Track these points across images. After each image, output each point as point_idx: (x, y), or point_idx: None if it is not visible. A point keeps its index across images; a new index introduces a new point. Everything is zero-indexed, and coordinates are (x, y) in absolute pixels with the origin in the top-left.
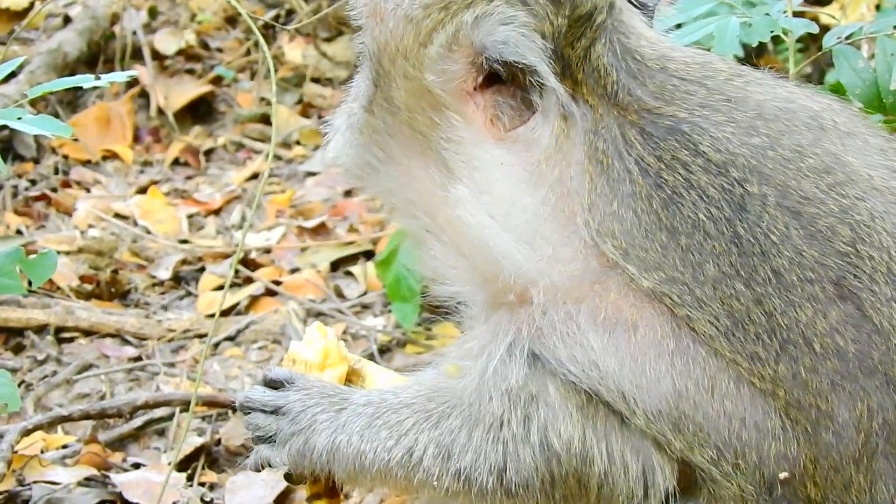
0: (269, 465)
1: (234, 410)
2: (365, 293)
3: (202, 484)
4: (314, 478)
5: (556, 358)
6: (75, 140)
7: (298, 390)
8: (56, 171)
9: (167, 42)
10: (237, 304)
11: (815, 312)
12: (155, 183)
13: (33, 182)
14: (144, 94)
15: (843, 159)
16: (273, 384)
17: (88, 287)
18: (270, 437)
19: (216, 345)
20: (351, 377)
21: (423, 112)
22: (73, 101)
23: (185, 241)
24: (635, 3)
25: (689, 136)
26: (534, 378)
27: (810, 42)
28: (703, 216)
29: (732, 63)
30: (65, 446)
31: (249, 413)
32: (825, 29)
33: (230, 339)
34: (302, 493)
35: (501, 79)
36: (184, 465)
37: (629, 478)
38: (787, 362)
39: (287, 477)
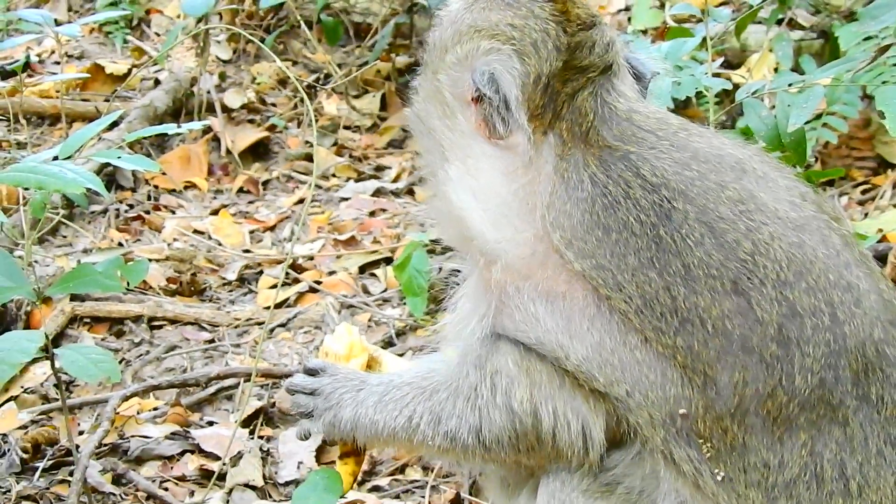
0: (311, 434)
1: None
2: (385, 290)
3: (261, 437)
4: (343, 441)
5: (512, 321)
6: (163, 174)
7: (330, 376)
8: (149, 198)
9: (234, 98)
10: (287, 298)
11: (712, 301)
12: (224, 206)
13: (131, 206)
14: (216, 139)
15: (756, 195)
16: (311, 371)
17: (173, 286)
18: (310, 412)
19: (271, 330)
20: (371, 364)
21: (438, 104)
22: (161, 144)
23: (247, 251)
24: (634, 73)
25: (634, 163)
26: (495, 353)
27: (725, 97)
28: (633, 219)
29: (683, 120)
30: (155, 409)
31: (294, 394)
32: (736, 86)
33: (282, 325)
34: (335, 447)
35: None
36: (246, 422)
37: (571, 432)
38: (685, 336)
39: (324, 441)
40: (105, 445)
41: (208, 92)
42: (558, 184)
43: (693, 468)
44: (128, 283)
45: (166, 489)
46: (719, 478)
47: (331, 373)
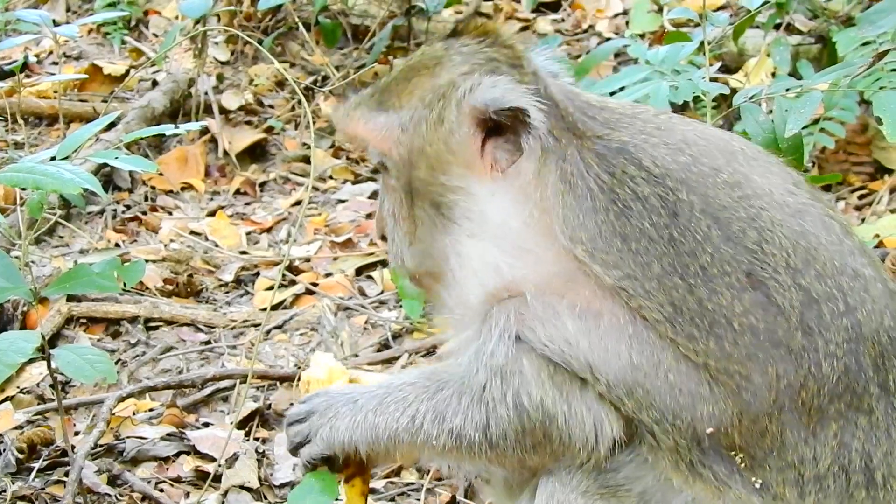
0: (315, 460)
1: (282, 382)
2: (382, 292)
3: (256, 439)
4: (346, 463)
5: (537, 337)
6: (160, 174)
7: (324, 395)
8: (146, 199)
9: (231, 100)
10: (284, 300)
11: (732, 298)
12: (221, 208)
13: (128, 207)
14: (214, 140)
15: (750, 177)
16: (303, 403)
17: (170, 287)
18: (307, 438)
19: (268, 332)
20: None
21: (441, 184)
22: (159, 145)
23: (244, 253)
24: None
25: (633, 155)
26: (516, 355)
27: (722, 101)
28: (648, 224)
29: (654, 108)
30: (151, 410)
31: (290, 427)
32: (734, 91)
33: (278, 327)
34: None
35: (496, 132)
36: (242, 424)
37: (584, 428)
38: (715, 338)
39: (331, 467)
40: (101, 446)
41: (206, 93)
42: (566, 194)
43: (719, 482)
44: (124, 284)
45: (162, 490)
46: (757, 485)
47: (321, 393)
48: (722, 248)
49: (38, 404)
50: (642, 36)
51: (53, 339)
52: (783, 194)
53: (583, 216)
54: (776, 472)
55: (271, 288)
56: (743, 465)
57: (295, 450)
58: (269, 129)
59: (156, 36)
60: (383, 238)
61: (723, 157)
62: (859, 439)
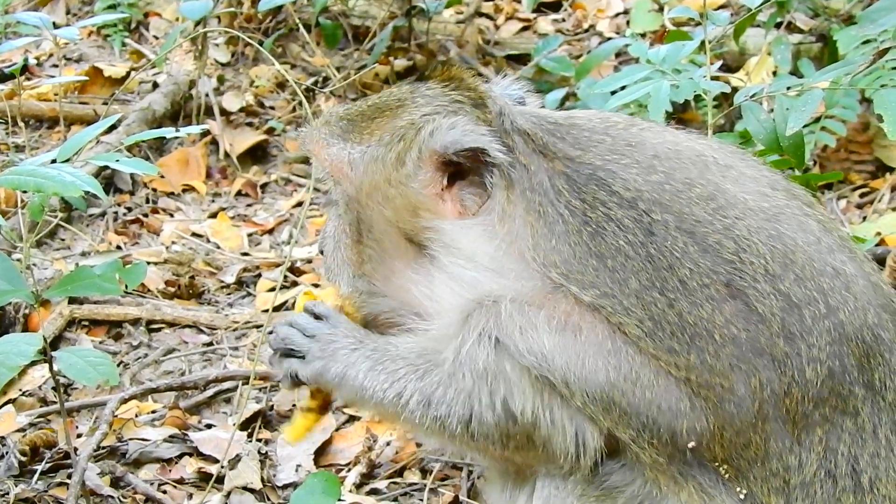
0: (297, 377)
1: None
2: None
3: (259, 440)
4: (313, 394)
5: (515, 346)
6: (161, 177)
7: (331, 326)
8: (147, 201)
9: (232, 102)
10: (286, 301)
11: (713, 310)
12: (223, 209)
13: (129, 209)
14: (215, 142)
15: (723, 187)
16: (317, 317)
17: (172, 289)
18: (301, 354)
19: (270, 333)
20: None
21: (406, 220)
22: (160, 147)
23: (246, 254)
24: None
25: (604, 180)
26: (497, 360)
27: (723, 100)
28: (623, 242)
29: (625, 116)
30: (154, 411)
31: (290, 329)
32: (735, 90)
33: None
34: (336, 446)
35: (461, 176)
36: (245, 425)
37: (566, 438)
38: (696, 351)
39: (295, 383)
40: (103, 448)
41: (207, 95)
42: (535, 222)
43: (703, 493)
44: (126, 286)
45: (165, 492)
46: (742, 496)
47: (333, 323)
48: (700, 261)
49: (41, 407)
50: (643, 35)
51: (55, 342)
52: (758, 199)
53: (555, 241)
54: (761, 482)
55: (273, 289)
56: (727, 475)
57: (283, 355)
58: (270, 131)
59: (156, 38)
60: (321, 252)
61: (695, 168)
62: (845, 443)
